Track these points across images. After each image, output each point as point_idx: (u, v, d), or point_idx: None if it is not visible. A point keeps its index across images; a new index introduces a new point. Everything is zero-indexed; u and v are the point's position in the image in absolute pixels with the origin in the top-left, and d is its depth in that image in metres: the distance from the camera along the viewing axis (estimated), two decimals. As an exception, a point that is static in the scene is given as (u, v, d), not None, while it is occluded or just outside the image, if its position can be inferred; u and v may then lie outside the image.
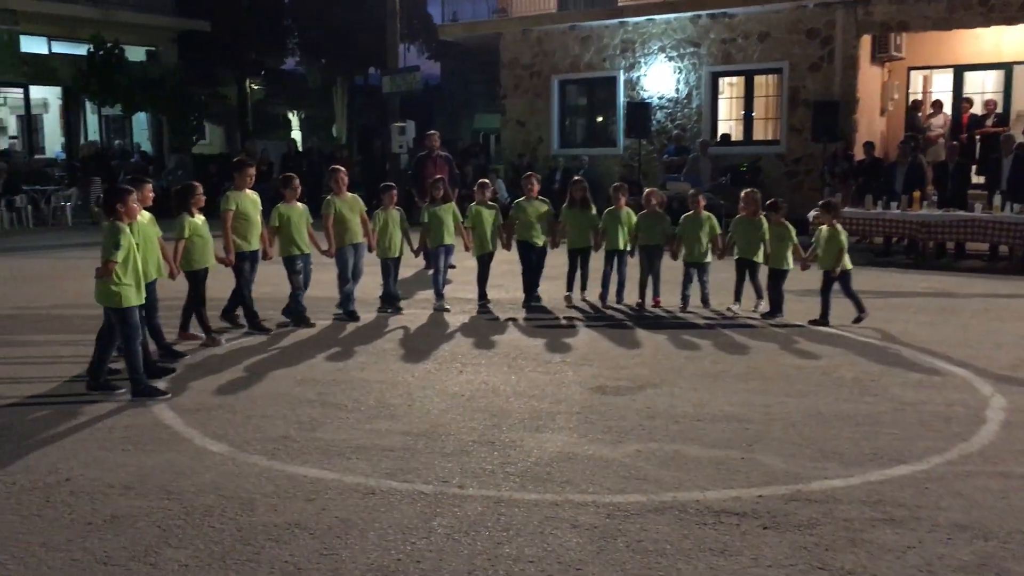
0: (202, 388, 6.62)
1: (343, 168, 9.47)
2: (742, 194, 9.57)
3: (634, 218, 9.88)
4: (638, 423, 5.73)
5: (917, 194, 12.96)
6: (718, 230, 9.65)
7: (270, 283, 9.86)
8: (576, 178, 10.77)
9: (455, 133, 36.04)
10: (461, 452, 5.21)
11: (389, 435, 5.51)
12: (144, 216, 6.97)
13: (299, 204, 8.76)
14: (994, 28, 16.02)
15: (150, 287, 6.95)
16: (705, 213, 9.64)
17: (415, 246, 9.75)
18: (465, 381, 6.80)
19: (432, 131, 13.16)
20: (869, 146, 15.30)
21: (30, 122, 25.12)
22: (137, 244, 6.36)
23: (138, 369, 6.29)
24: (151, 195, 7.30)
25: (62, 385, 6.72)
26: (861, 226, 13.33)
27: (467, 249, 9.96)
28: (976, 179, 14.75)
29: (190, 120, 25.01)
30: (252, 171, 8.50)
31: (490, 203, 9.93)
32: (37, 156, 24.50)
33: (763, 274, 9.27)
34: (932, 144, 16.41)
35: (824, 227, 8.75)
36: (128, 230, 6.19)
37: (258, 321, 8.59)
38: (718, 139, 18.36)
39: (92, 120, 25.54)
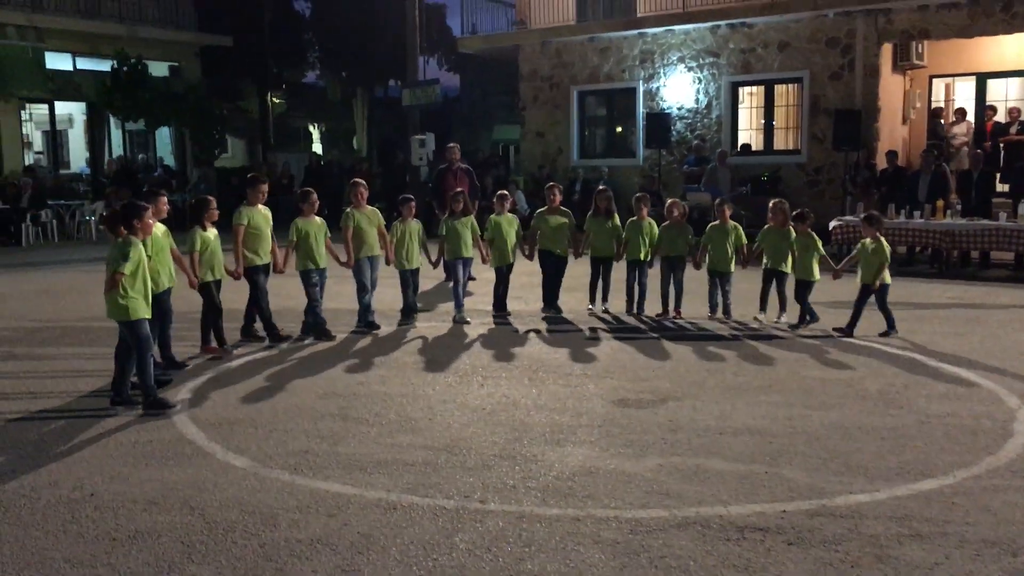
0: (224, 402, 6.65)
1: (363, 181, 9.57)
2: (770, 204, 9.53)
3: (656, 229, 9.87)
4: (660, 437, 5.70)
5: (941, 203, 12.85)
6: (744, 240, 9.62)
7: (291, 296, 9.91)
8: (601, 187, 10.78)
9: (474, 145, 36.13)
10: (483, 467, 5.20)
11: (410, 449, 5.51)
12: (158, 228, 7.09)
13: (317, 218, 8.89)
14: (1016, 35, 15.87)
15: (163, 296, 7.09)
16: (731, 223, 9.61)
17: (433, 258, 9.79)
18: (486, 394, 6.79)
19: (452, 144, 13.20)
20: (892, 155, 15.20)
21: (55, 137, 25.41)
22: (149, 256, 6.53)
23: (149, 382, 6.35)
24: (166, 207, 7.51)
25: (86, 399, 6.78)
26: (885, 235, 13.16)
27: (484, 262, 10.01)
28: (1000, 187, 14.61)
29: (212, 134, 25.23)
30: (265, 187, 8.64)
31: (509, 214, 9.95)
32: (62, 171, 24.79)
33: (790, 284, 9.23)
34: (955, 152, 16.28)
35: (868, 240, 8.72)
36: (139, 244, 6.29)
37: (276, 332, 8.67)
38: (738, 149, 18.29)
39: (116, 135, 25.80)
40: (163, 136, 26.42)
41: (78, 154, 26.65)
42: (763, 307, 9.38)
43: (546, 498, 4.72)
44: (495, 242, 9.89)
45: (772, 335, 8.79)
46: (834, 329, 8.77)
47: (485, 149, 28.19)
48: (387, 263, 9.46)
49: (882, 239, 8.72)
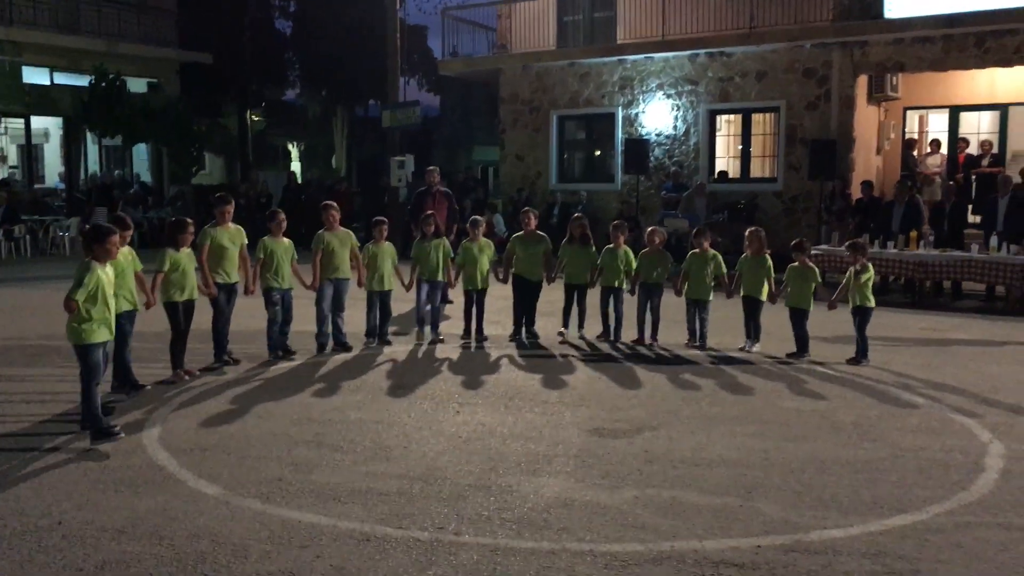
0: (197, 427, 6.57)
1: (335, 204, 9.57)
2: (747, 232, 9.62)
3: (631, 256, 9.90)
4: (636, 468, 5.69)
5: (914, 234, 13.01)
6: (723, 269, 9.67)
7: (255, 316, 9.80)
8: (576, 215, 10.81)
9: (454, 165, 36.22)
10: (457, 497, 5.16)
11: (385, 478, 5.47)
12: (123, 250, 6.99)
13: (285, 240, 8.89)
14: (989, 70, 16.18)
15: (121, 319, 7.00)
16: (711, 251, 9.67)
17: (406, 281, 9.79)
18: (462, 422, 6.76)
19: (432, 167, 13.22)
20: (867, 185, 15.37)
21: (30, 152, 25.20)
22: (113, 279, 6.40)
23: (93, 411, 6.12)
24: (129, 235, 7.40)
25: (52, 423, 6.67)
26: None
27: (451, 286, 10.03)
28: (972, 218, 14.82)
29: (190, 151, 25.12)
30: (230, 208, 8.57)
31: (483, 239, 9.95)
32: (37, 186, 24.57)
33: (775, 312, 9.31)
34: (929, 183, 16.51)
35: (854, 267, 8.95)
36: (97, 269, 6.11)
37: (224, 355, 8.56)
38: (715, 176, 18.44)
39: (92, 150, 25.64)
40: (140, 152, 26.28)
41: (53, 169, 26.46)
42: (748, 336, 9.45)
43: (521, 530, 4.69)
44: (465, 267, 9.89)
45: (746, 362, 8.83)
46: (848, 360, 8.86)
47: (463, 171, 28.21)
48: (359, 285, 9.45)
49: (868, 264, 8.99)
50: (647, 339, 9.71)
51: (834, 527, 4.73)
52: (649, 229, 10.16)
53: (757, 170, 18.54)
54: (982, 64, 15.85)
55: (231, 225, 8.59)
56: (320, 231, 9.29)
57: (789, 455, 5.94)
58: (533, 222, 10.09)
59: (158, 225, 20.89)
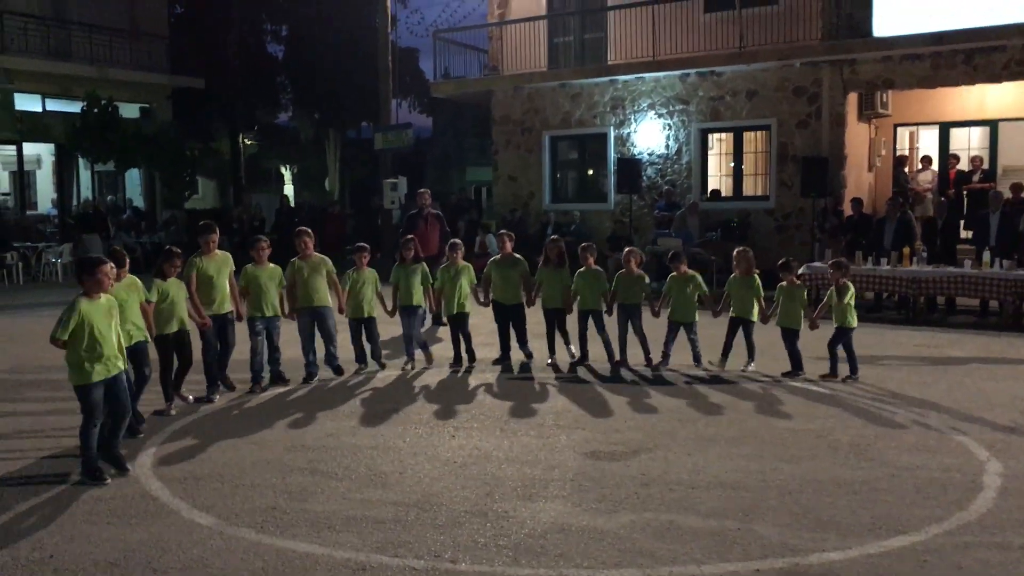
0: (190, 455, 6.52)
1: (308, 230, 9.30)
2: (734, 253, 9.62)
3: (603, 277, 9.83)
4: (633, 491, 5.66)
5: (907, 250, 13.04)
6: (704, 289, 9.66)
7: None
8: (553, 236, 10.74)
9: (447, 186, 36.26)
10: (453, 524, 5.12)
11: (380, 505, 5.43)
12: (124, 281, 6.91)
13: (270, 265, 8.73)
14: (978, 86, 16.28)
15: (135, 349, 6.90)
16: (689, 272, 9.67)
17: (389, 307, 9.65)
18: (457, 446, 6.73)
19: (423, 189, 13.22)
20: (857, 202, 15.41)
21: (22, 178, 25.19)
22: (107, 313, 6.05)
23: (88, 451, 5.91)
24: (125, 270, 7.08)
25: (44, 456, 6.61)
26: (851, 281, 13.34)
27: (431, 312, 9.83)
28: (964, 234, 14.86)
29: (183, 176, 25.12)
30: (215, 236, 8.44)
31: (462, 263, 9.81)
32: (29, 212, 24.53)
33: (767, 331, 9.29)
34: (921, 200, 16.57)
35: (834, 286, 9.01)
36: (82, 306, 5.86)
37: (215, 388, 8.31)
38: (708, 194, 18.49)
39: (85, 176, 25.63)
40: (132, 177, 26.28)
41: (45, 195, 26.44)
42: (724, 355, 9.43)
43: (518, 557, 4.65)
44: (444, 291, 9.75)
45: (740, 382, 8.81)
46: (843, 378, 8.88)
47: (456, 192, 28.25)
48: (340, 311, 9.33)
49: (849, 283, 9.01)
50: (645, 361, 9.65)
51: (833, 550, 4.70)
52: (626, 250, 10.01)
53: (749, 188, 18.59)
54: (971, 81, 15.94)
55: (218, 253, 8.47)
56: (293, 259, 9.08)
57: (786, 476, 5.92)
58: (508, 245, 9.95)
59: (151, 250, 20.87)
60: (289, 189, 37.97)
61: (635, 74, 18.81)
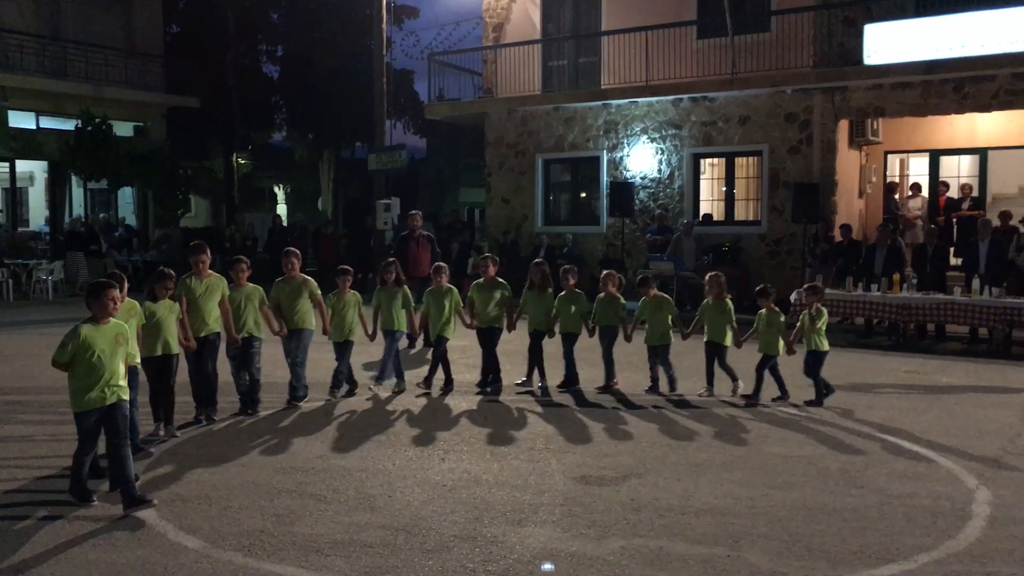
0: (177, 477, 6.48)
1: (296, 251, 9.13)
2: (707, 278, 9.70)
3: (583, 299, 9.80)
4: (622, 516, 5.64)
5: (897, 276, 13.10)
6: (675, 311, 9.71)
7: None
8: (537, 260, 10.73)
9: (441, 207, 36.34)
10: (442, 548, 5.10)
11: (368, 529, 5.40)
12: (124, 304, 6.82)
13: (249, 285, 8.54)
14: (968, 115, 16.43)
15: (133, 371, 6.80)
16: (660, 296, 9.73)
17: (369, 330, 9.46)
18: (447, 469, 6.70)
19: (414, 211, 13.26)
20: (846, 228, 15.50)
21: (15, 195, 25.15)
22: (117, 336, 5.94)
23: (78, 477, 5.87)
24: (124, 294, 6.81)
25: (31, 479, 6.57)
26: (842, 307, 13.46)
27: (413, 333, 9.66)
28: (954, 261, 14.95)
29: (176, 194, 25.12)
30: (206, 257, 8.15)
31: (446, 286, 9.69)
32: (21, 229, 24.46)
33: (741, 356, 9.30)
34: (911, 226, 16.67)
35: (808, 311, 9.07)
36: (84, 331, 5.75)
37: (203, 411, 8.18)
38: (700, 219, 18.57)
39: (77, 193, 25.59)
40: (125, 195, 26.26)
41: (38, 212, 26.39)
42: (710, 382, 9.43)
43: (506, 583, 4.62)
44: (430, 315, 9.66)
45: (733, 409, 8.81)
46: (805, 402, 8.92)
47: (450, 213, 28.28)
48: (324, 333, 9.19)
49: (823, 308, 9.09)
50: (604, 383, 9.64)
51: (822, 578, 4.68)
52: (604, 273, 9.97)
53: (741, 213, 18.69)
54: (961, 109, 16.10)
55: (211, 274, 8.18)
56: (278, 279, 8.94)
57: (776, 503, 5.91)
58: (492, 270, 9.85)
59: (143, 268, 20.83)
60: (282, 209, 38.01)
61: (628, 98, 18.94)
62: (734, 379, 9.33)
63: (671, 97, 18.51)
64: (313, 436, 7.69)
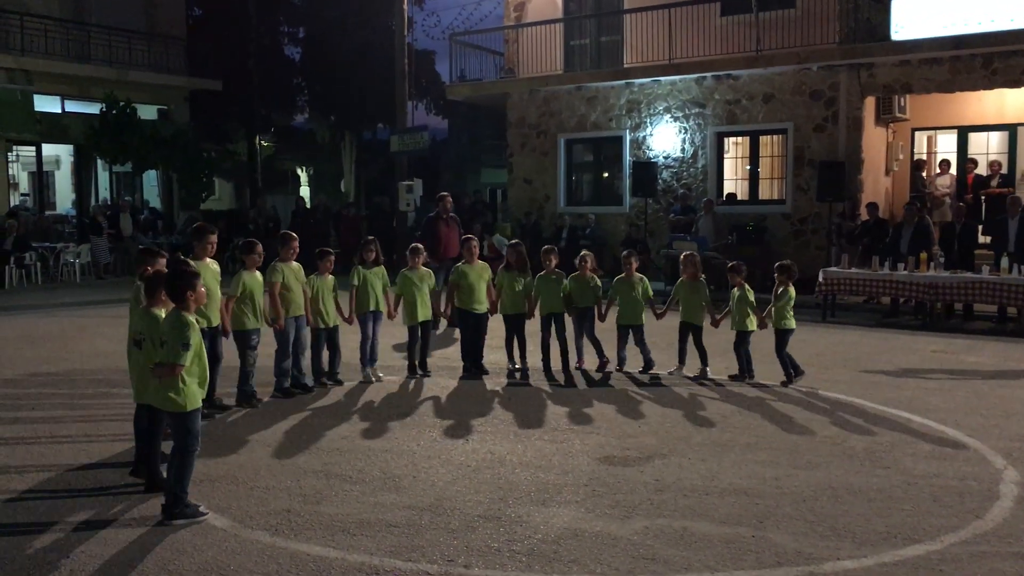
0: (205, 457, 6.52)
1: (293, 234, 8.78)
2: (681, 257, 9.68)
3: (562, 280, 9.73)
4: (646, 497, 5.65)
5: (924, 255, 12.95)
6: (650, 292, 9.70)
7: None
8: (514, 240, 10.67)
9: (462, 188, 36.28)
10: (467, 528, 5.13)
11: (394, 509, 5.44)
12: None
13: (259, 273, 8.21)
14: (997, 90, 16.16)
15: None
16: (637, 275, 9.69)
17: (346, 314, 9.10)
18: (471, 450, 6.73)
19: (444, 193, 13.28)
20: (872, 207, 15.33)
21: (41, 179, 25.41)
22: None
23: (184, 484, 5.28)
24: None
25: (62, 463, 6.67)
26: (868, 287, 13.35)
27: (390, 317, 9.38)
28: (983, 239, 14.76)
29: (200, 177, 25.27)
30: (212, 238, 7.68)
31: (423, 269, 9.53)
32: (48, 212, 24.73)
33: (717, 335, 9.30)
34: (939, 204, 16.46)
35: (775, 289, 9.06)
36: (195, 323, 5.33)
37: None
38: (723, 198, 18.44)
39: (103, 177, 25.83)
40: (150, 178, 26.46)
41: (64, 195, 26.65)
42: (681, 360, 9.45)
43: (531, 563, 4.65)
44: (404, 298, 9.40)
45: (757, 389, 8.78)
46: (781, 382, 8.94)
47: (472, 194, 28.22)
48: (307, 323, 8.81)
49: (790, 287, 9.03)
50: (574, 363, 9.66)
51: (847, 558, 4.67)
52: (581, 254, 9.87)
53: (766, 192, 18.53)
54: (990, 85, 15.83)
55: (211, 260, 7.71)
56: (274, 262, 8.46)
57: (801, 483, 5.89)
58: (477, 252, 9.71)
59: (170, 251, 20.98)
60: (305, 191, 38.10)
61: (651, 77, 18.79)
62: (704, 363, 9.30)
63: (694, 75, 18.34)
64: (338, 417, 7.75)
